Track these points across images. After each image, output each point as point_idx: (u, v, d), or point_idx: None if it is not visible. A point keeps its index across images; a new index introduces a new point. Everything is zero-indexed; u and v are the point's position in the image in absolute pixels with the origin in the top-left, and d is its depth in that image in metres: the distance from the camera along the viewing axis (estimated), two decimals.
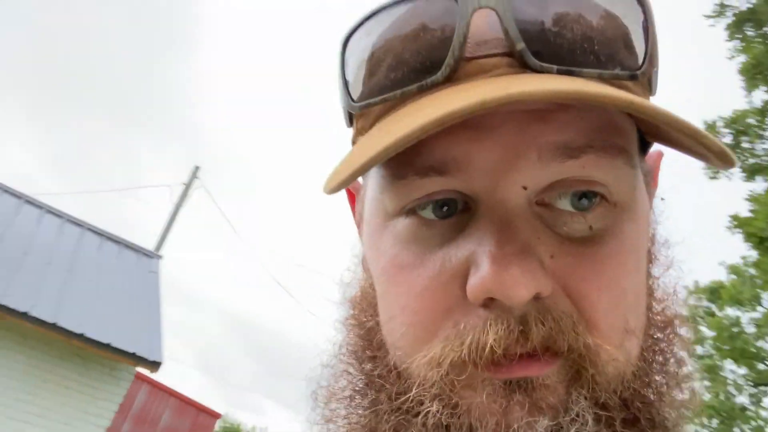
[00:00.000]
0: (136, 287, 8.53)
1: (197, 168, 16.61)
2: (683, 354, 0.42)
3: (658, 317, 0.41)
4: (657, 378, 0.39)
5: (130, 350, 6.95)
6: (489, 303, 0.35)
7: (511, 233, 0.35)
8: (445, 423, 0.36)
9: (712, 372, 18.07)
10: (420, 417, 0.37)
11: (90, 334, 6.75)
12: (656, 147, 0.45)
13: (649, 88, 0.40)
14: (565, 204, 0.36)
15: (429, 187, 0.38)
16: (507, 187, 0.36)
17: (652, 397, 0.38)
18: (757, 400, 16.81)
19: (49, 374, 6.91)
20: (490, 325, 0.35)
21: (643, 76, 0.36)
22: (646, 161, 0.43)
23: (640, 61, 0.36)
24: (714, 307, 18.63)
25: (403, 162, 0.38)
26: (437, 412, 0.36)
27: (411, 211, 0.39)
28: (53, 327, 6.58)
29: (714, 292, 18.41)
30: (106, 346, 6.81)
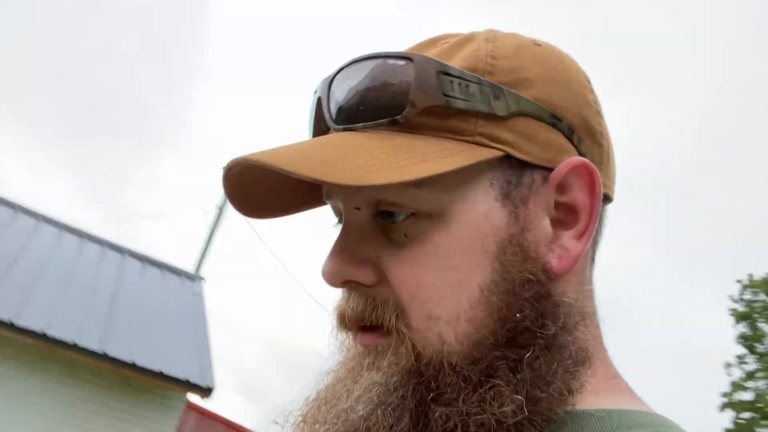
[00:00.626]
0: (181, 311, 8.27)
1: None
2: (555, 345, 0.45)
3: (511, 309, 0.45)
4: (502, 362, 0.43)
5: (182, 377, 6.65)
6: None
7: (342, 238, 0.50)
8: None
9: None
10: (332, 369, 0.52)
11: (140, 362, 6.46)
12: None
13: (456, 115, 0.47)
14: (390, 220, 0.48)
15: (332, 207, 0.55)
16: (346, 208, 0.51)
17: (485, 379, 0.43)
18: None
19: (100, 406, 6.64)
20: (337, 301, 0.52)
21: (406, 119, 0.46)
22: (526, 174, 0.48)
23: (404, 107, 0.46)
24: None
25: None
26: (335, 364, 0.52)
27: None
28: (102, 357, 6.32)
29: None
30: (158, 375, 6.51)
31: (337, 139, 0.48)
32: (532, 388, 0.42)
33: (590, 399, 0.45)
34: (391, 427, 0.42)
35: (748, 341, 18.03)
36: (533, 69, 0.49)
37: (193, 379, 6.69)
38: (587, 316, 0.47)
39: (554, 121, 0.48)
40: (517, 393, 0.41)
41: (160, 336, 7.23)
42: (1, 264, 6.75)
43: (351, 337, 0.50)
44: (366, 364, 0.47)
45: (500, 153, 0.46)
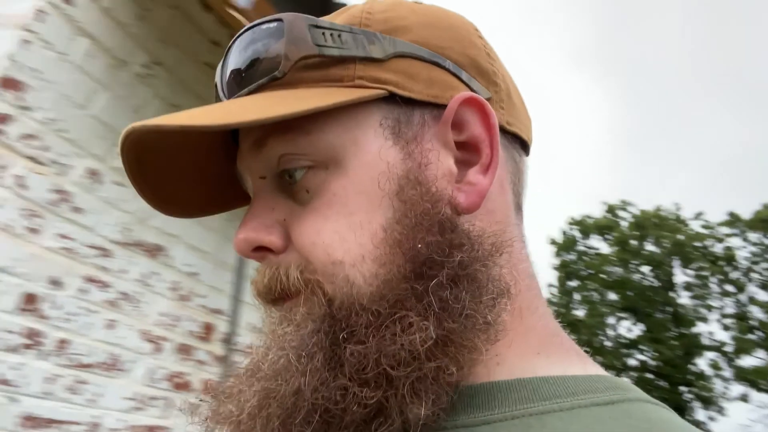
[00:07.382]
0: None
1: None
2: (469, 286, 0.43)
3: (416, 244, 0.44)
4: (409, 293, 0.42)
5: None
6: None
7: (251, 209, 0.49)
8: None
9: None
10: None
11: None
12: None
13: (332, 64, 0.47)
14: (292, 180, 0.47)
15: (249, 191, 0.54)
16: (253, 180, 0.50)
17: (393, 312, 0.42)
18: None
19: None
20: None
21: (283, 74, 0.46)
22: (416, 112, 0.48)
23: (280, 63, 0.46)
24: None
25: None
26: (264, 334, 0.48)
27: None
28: None
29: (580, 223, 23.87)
30: None
31: (218, 104, 0.48)
32: (441, 317, 0.41)
33: (534, 361, 0.45)
34: (305, 366, 0.41)
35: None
36: (410, 18, 0.50)
37: None
38: (507, 252, 0.46)
39: (436, 59, 0.49)
40: (426, 320, 0.41)
41: None
42: None
43: (268, 310, 0.49)
44: (280, 323, 0.46)
45: (382, 92, 0.47)
